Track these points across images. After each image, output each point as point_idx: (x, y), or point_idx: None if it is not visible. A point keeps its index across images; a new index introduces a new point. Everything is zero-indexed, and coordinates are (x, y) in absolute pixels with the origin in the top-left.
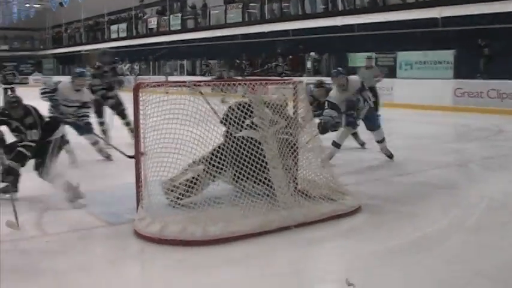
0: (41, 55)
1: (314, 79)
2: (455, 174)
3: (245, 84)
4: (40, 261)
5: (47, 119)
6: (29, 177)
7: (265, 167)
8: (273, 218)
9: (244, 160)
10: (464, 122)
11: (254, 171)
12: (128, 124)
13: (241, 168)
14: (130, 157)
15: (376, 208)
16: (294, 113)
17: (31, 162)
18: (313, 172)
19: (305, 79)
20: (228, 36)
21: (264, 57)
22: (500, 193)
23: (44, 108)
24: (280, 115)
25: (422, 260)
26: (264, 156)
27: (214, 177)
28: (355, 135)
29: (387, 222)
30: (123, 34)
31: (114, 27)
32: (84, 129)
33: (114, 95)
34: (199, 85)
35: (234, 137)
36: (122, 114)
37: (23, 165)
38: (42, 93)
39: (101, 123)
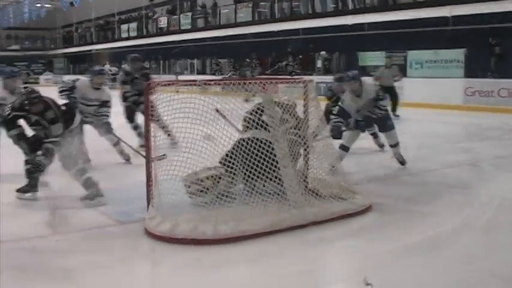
0: (52, 55)
1: (324, 78)
2: (467, 174)
3: (256, 83)
4: (50, 259)
5: (63, 108)
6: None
7: (275, 166)
8: (283, 217)
9: (255, 159)
10: (475, 121)
11: (265, 170)
12: (163, 127)
13: (252, 167)
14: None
15: (387, 207)
16: (304, 112)
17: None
18: (324, 171)
19: (315, 78)
20: (238, 35)
21: (274, 56)
22: None
23: None
24: (290, 114)
25: (433, 260)
26: (275, 155)
27: (233, 179)
28: (374, 136)
29: (398, 221)
30: (133, 33)
31: (124, 27)
32: (103, 129)
33: None
34: (210, 84)
35: (247, 138)
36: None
37: (51, 161)
38: (60, 92)
39: (135, 127)
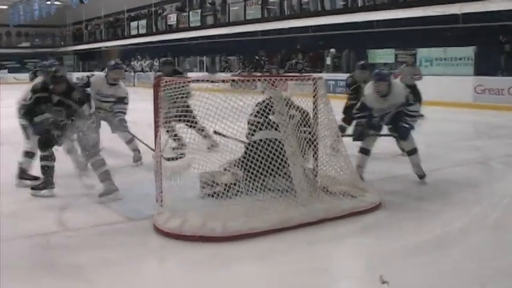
0: (62, 52)
1: (334, 75)
2: (476, 172)
3: (265, 80)
4: (61, 255)
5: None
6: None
7: (286, 162)
8: (293, 215)
9: (266, 160)
10: (485, 119)
11: (276, 167)
12: (199, 131)
13: (262, 167)
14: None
15: (397, 205)
16: (313, 109)
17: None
18: (334, 169)
19: (324, 75)
20: (247, 32)
21: (283, 54)
22: None
23: None
24: (296, 109)
25: (442, 258)
26: (285, 152)
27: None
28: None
29: (407, 219)
30: (142, 31)
31: (134, 24)
32: (118, 126)
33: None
34: (220, 81)
35: (258, 140)
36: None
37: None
38: None
39: (199, 130)
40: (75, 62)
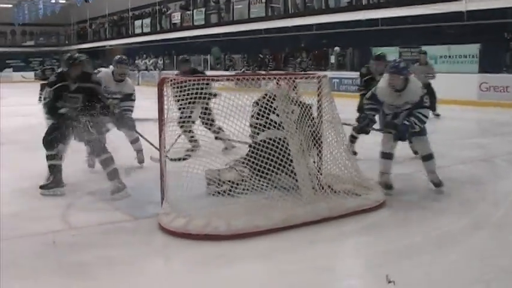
0: (66, 50)
1: (338, 73)
2: (480, 170)
3: (269, 78)
4: (66, 254)
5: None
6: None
7: (290, 160)
8: (297, 213)
9: (271, 160)
10: (490, 116)
11: (281, 164)
12: (215, 132)
13: (267, 165)
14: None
15: (401, 203)
16: (318, 108)
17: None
18: (338, 167)
19: (329, 73)
20: (251, 30)
21: (287, 52)
22: None
23: None
24: (296, 105)
25: (446, 256)
26: (290, 150)
27: (262, 182)
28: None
29: (411, 217)
30: (147, 29)
31: (138, 23)
32: (125, 124)
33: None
34: (224, 79)
35: (262, 141)
36: (209, 124)
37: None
38: None
39: (215, 132)
40: None
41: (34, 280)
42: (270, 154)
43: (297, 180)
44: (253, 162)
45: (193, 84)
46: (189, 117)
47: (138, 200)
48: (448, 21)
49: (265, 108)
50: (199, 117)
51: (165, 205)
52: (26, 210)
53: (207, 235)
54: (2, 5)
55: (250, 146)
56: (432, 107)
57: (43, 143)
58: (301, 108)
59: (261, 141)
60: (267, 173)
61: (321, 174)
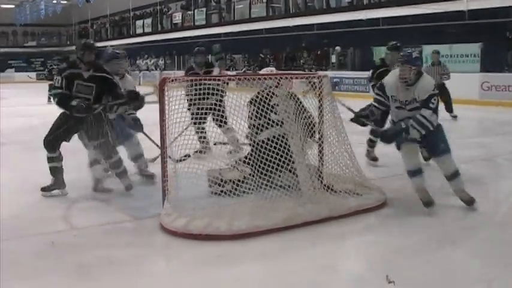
0: (68, 51)
1: (339, 73)
2: (482, 169)
3: (271, 78)
4: (67, 254)
5: None
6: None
7: (291, 157)
8: (298, 213)
9: (274, 157)
10: (491, 116)
11: (282, 162)
12: (226, 131)
13: (269, 163)
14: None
15: (402, 203)
16: (319, 107)
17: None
18: (339, 166)
19: (330, 73)
20: (252, 30)
21: (288, 52)
22: None
23: None
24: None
25: (448, 255)
26: (290, 147)
27: (263, 181)
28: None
29: (413, 216)
30: (148, 29)
31: (139, 23)
32: (131, 125)
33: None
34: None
35: (263, 140)
36: (221, 121)
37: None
38: None
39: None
40: None
41: (35, 280)
42: (272, 152)
43: (297, 177)
44: (255, 162)
45: (206, 79)
46: (202, 113)
47: (139, 200)
48: (450, 21)
49: (263, 107)
50: (211, 113)
51: (166, 205)
52: (26, 210)
53: (208, 235)
54: (3, 6)
55: (251, 145)
56: (449, 108)
57: (44, 144)
58: (296, 102)
59: (262, 141)
60: (270, 171)
61: (321, 173)
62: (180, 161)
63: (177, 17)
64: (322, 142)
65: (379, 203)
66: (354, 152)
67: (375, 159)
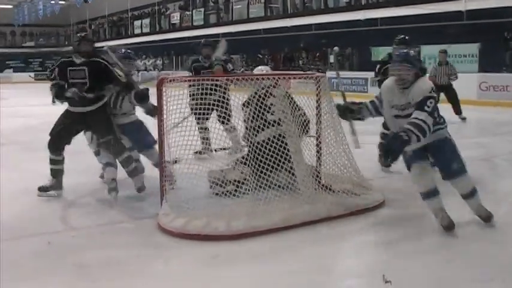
0: (66, 51)
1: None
2: (481, 169)
3: (269, 78)
4: (65, 255)
5: None
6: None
7: (289, 156)
8: (296, 213)
9: (272, 155)
10: (489, 116)
11: (280, 161)
12: (227, 130)
13: (267, 162)
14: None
15: (400, 203)
16: (317, 108)
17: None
18: (337, 167)
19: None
20: (250, 31)
21: (286, 52)
22: None
23: None
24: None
25: (446, 256)
26: (287, 144)
27: (261, 181)
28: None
29: (411, 217)
30: (146, 29)
31: (137, 23)
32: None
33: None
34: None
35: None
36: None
37: None
38: None
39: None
40: None
41: (34, 281)
42: (270, 151)
43: (295, 176)
44: (253, 163)
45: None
46: (205, 109)
47: (137, 201)
48: (448, 21)
49: (260, 108)
50: (215, 109)
51: (165, 206)
52: (26, 211)
53: (206, 235)
54: (1, 6)
55: (249, 147)
56: (457, 110)
57: (48, 145)
58: (290, 99)
59: (258, 142)
60: (270, 171)
61: (319, 173)
62: (176, 162)
63: (175, 17)
64: (320, 142)
65: (377, 203)
66: (352, 152)
67: (388, 165)
